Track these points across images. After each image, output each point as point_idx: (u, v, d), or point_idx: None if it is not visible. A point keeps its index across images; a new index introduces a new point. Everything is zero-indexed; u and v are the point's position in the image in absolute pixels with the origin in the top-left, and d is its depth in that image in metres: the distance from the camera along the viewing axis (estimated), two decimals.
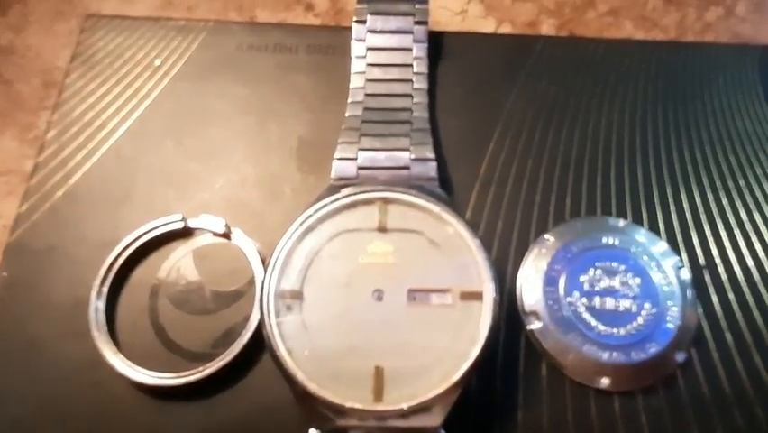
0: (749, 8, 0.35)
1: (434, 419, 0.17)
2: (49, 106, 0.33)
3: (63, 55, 0.34)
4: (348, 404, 0.17)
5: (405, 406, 0.17)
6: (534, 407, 0.20)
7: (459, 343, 0.18)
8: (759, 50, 0.25)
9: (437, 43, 0.25)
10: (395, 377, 0.18)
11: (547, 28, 0.34)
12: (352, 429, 0.17)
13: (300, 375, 0.17)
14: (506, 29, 0.34)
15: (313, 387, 0.17)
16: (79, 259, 0.22)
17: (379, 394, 0.17)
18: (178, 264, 0.22)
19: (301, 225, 0.19)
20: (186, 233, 0.22)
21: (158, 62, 0.25)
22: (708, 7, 0.35)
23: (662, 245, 0.21)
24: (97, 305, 0.20)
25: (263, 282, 0.19)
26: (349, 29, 0.24)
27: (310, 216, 0.19)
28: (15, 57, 0.34)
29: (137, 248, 0.21)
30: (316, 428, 0.18)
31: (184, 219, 0.22)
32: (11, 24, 0.35)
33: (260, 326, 0.19)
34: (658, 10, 0.35)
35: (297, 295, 0.19)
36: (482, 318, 0.18)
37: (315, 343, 0.18)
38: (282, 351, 0.18)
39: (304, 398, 0.18)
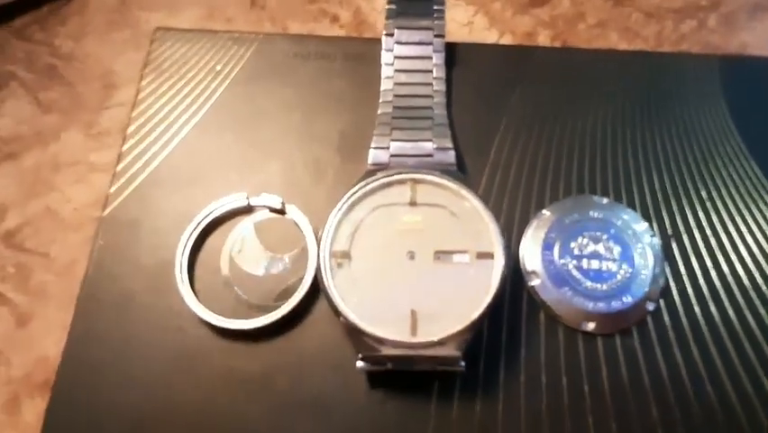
0: (719, 21, 0.40)
1: (456, 350, 0.22)
2: (108, 106, 0.38)
3: (118, 61, 0.39)
4: (390, 336, 0.22)
5: (435, 339, 0.22)
6: (534, 347, 0.24)
7: (475, 292, 0.22)
8: (719, 59, 0.30)
9: (452, 53, 0.30)
10: (426, 318, 0.22)
11: (543, 38, 0.39)
12: (391, 357, 0.22)
13: (352, 316, 0.22)
14: (507, 39, 0.39)
15: (363, 324, 0.22)
16: (159, 231, 0.26)
17: (414, 330, 0.22)
18: (242, 235, 0.26)
19: (348, 199, 0.24)
20: (248, 209, 0.26)
21: (218, 68, 0.29)
22: (683, 20, 0.40)
23: (637, 218, 0.26)
24: (182, 262, 0.25)
25: (319, 245, 0.23)
26: (378, 40, 0.28)
27: (354, 192, 0.24)
28: (76, 62, 0.39)
29: (210, 221, 0.26)
30: (362, 359, 0.22)
31: (247, 198, 0.26)
32: (70, 34, 0.40)
33: (314, 283, 0.24)
34: (640, 22, 0.40)
35: (347, 255, 0.23)
36: (494, 273, 0.23)
37: (362, 292, 0.22)
38: (337, 298, 0.22)
39: (354, 333, 0.22)
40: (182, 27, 0.39)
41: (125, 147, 0.28)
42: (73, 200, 0.35)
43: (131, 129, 0.28)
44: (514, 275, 0.25)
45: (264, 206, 0.26)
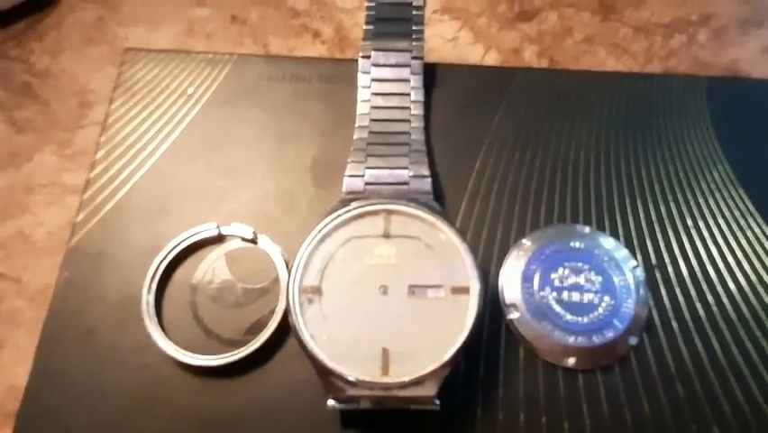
0: (709, 36, 0.39)
1: (429, 390, 0.21)
2: (84, 125, 0.37)
3: (95, 78, 0.38)
4: (360, 377, 0.21)
5: (406, 379, 0.21)
6: (512, 383, 0.23)
7: (450, 329, 0.22)
8: (707, 80, 0.29)
9: (432, 74, 0.29)
10: (398, 356, 0.21)
11: (529, 54, 0.38)
12: (362, 398, 0.21)
13: (321, 355, 0.21)
14: (492, 55, 0.38)
15: (332, 364, 0.21)
16: (127, 262, 0.25)
17: (385, 370, 0.21)
18: (213, 266, 0.25)
19: (319, 232, 0.23)
20: (219, 239, 0.25)
21: (190, 91, 0.29)
22: (672, 35, 0.39)
23: (620, 248, 0.25)
24: (148, 298, 0.24)
25: (288, 280, 0.22)
26: (355, 61, 0.28)
27: (326, 224, 0.23)
28: (52, 79, 0.38)
29: (179, 252, 0.25)
30: (333, 398, 0.21)
31: (217, 227, 0.25)
32: (47, 49, 0.39)
33: (286, 316, 0.23)
34: (628, 38, 0.39)
35: (317, 290, 0.22)
36: (469, 309, 0.22)
37: (333, 329, 0.22)
38: (306, 336, 0.21)
39: (324, 373, 0.21)
40: (160, 44, 0.38)
41: (93, 174, 0.27)
42: (46, 223, 0.34)
43: (99, 154, 0.27)
44: (493, 307, 0.25)
45: (235, 235, 0.26)
